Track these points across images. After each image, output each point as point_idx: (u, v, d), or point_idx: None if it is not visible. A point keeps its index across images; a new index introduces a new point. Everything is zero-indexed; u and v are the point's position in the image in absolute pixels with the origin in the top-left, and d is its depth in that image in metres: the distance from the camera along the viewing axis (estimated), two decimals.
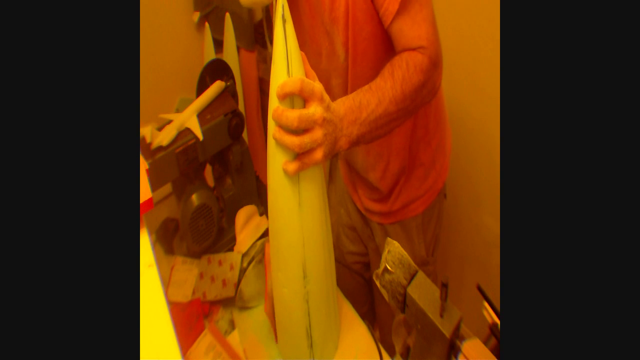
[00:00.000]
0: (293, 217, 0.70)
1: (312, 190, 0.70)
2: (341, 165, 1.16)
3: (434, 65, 0.76)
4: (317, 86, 0.63)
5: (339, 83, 0.90)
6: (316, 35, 0.87)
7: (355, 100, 0.70)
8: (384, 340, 1.14)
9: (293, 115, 0.61)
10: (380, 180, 1.01)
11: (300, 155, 0.65)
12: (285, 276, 0.76)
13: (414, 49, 0.76)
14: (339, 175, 1.19)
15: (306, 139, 0.63)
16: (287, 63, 0.62)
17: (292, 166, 0.65)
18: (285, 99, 0.63)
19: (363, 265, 1.26)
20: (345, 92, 0.90)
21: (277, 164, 0.66)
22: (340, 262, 1.19)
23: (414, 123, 0.97)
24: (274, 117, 0.63)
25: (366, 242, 1.20)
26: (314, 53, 0.90)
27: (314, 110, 0.63)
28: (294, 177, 0.67)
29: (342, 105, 0.69)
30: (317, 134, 0.63)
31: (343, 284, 1.08)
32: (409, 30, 0.76)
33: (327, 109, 0.65)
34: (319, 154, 0.65)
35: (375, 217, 1.09)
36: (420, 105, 0.78)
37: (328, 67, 0.90)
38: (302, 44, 0.91)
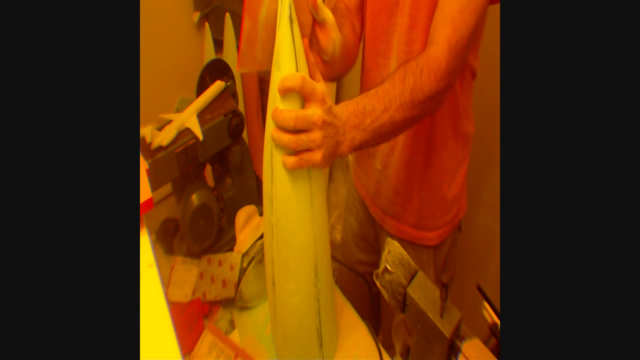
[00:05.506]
0: (306, 218, 0.69)
1: (321, 188, 0.70)
2: (353, 170, 1.15)
3: (448, 74, 0.74)
4: (320, 87, 0.63)
5: (396, 21, 0.87)
6: None
7: (359, 105, 0.69)
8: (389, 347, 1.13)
9: (290, 115, 0.61)
10: (398, 174, 1.00)
11: (299, 152, 0.65)
12: (297, 284, 0.74)
13: (435, 43, 0.74)
14: (343, 179, 1.18)
15: (303, 136, 0.62)
16: (295, 65, 0.62)
17: (291, 160, 0.64)
18: (294, 101, 0.63)
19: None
20: (405, 29, 0.87)
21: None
22: (349, 268, 1.18)
23: (438, 154, 0.96)
24: (273, 117, 0.63)
25: (379, 251, 1.18)
26: None
27: (313, 111, 0.62)
28: (307, 176, 0.67)
29: (344, 109, 0.68)
30: (315, 135, 0.63)
31: (349, 289, 1.07)
32: (443, 6, 0.75)
33: (328, 112, 0.64)
34: (317, 155, 0.64)
35: (389, 222, 1.08)
36: (427, 114, 0.76)
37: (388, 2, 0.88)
38: None
